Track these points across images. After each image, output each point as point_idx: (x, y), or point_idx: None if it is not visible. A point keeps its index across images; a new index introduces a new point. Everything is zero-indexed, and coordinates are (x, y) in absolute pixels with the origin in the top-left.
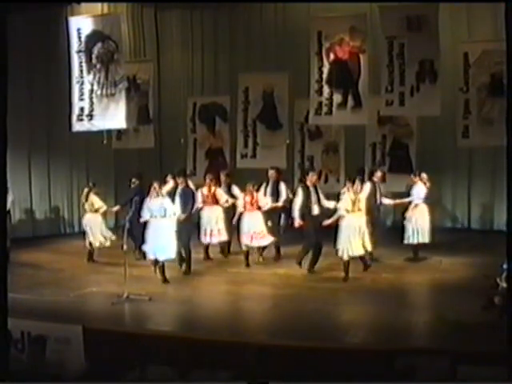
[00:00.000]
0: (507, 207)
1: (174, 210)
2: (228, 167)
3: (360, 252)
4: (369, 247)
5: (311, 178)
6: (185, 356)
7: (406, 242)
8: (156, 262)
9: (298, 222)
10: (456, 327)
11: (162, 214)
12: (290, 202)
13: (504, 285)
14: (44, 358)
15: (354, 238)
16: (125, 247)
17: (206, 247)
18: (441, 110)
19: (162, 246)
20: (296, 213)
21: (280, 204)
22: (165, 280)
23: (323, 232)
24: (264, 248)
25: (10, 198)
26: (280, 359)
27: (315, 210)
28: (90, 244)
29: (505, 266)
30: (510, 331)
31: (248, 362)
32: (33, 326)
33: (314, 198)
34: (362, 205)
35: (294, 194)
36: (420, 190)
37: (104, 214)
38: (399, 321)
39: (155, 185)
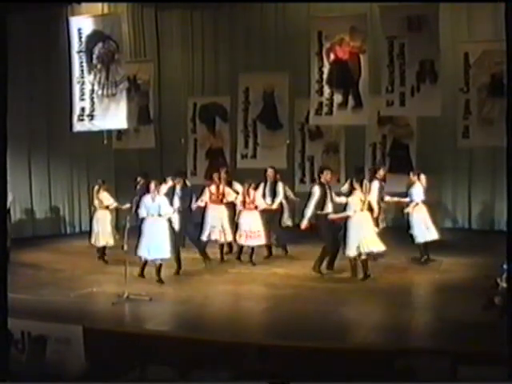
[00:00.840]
0: (507, 207)
1: (171, 209)
2: (228, 167)
3: (367, 249)
4: (374, 247)
5: (325, 176)
6: (185, 356)
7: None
8: (145, 262)
9: (304, 224)
10: (456, 327)
11: (158, 213)
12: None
13: (504, 285)
14: (44, 358)
15: (361, 236)
16: (125, 247)
17: (221, 246)
18: (441, 110)
19: (157, 244)
20: (308, 213)
21: (274, 206)
22: (160, 280)
23: (337, 230)
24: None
25: (9, 198)
26: (280, 359)
27: (329, 209)
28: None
29: (505, 266)
30: (510, 331)
31: (248, 362)
32: (33, 326)
33: (328, 196)
34: (374, 205)
35: (310, 194)
36: (420, 189)
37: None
38: (399, 321)
39: (154, 183)
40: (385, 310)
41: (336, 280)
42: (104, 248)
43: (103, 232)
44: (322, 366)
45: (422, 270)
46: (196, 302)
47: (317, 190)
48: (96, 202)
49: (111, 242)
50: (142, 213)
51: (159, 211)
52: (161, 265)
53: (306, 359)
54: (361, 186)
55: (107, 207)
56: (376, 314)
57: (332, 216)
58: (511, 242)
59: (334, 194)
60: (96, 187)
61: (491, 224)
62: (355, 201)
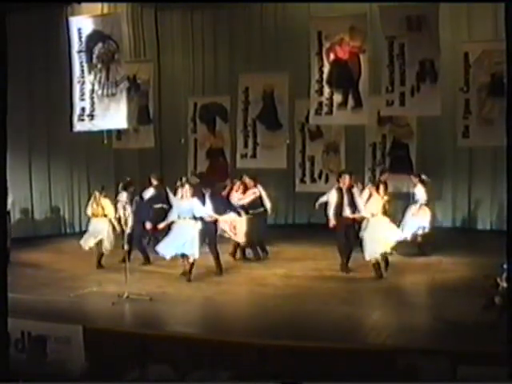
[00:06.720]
0: (507, 207)
1: (204, 211)
2: (229, 167)
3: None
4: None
5: (344, 181)
6: (185, 356)
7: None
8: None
9: (332, 222)
10: (456, 327)
11: (190, 216)
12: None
13: (504, 285)
14: (44, 358)
15: (380, 240)
16: (126, 247)
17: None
18: (441, 109)
19: (188, 242)
20: (330, 213)
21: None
22: (189, 279)
23: (355, 233)
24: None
25: (10, 199)
26: (280, 359)
27: (347, 212)
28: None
29: (505, 266)
30: (510, 331)
31: (248, 363)
32: (33, 325)
33: (346, 199)
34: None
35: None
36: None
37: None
38: (399, 321)
39: (186, 187)
40: (385, 310)
41: (336, 280)
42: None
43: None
44: (322, 366)
45: (421, 269)
46: (196, 302)
47: (333, 194)
48: (95, 209)
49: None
50: (174, 215)
51: (192, 213)
52: (192, 264)
53: (306, 359)
54: (377, 189)
55: (106, 215)
56: (376, 314)
57: (348, 214)
58: (511, 241)
59: (357, 200)
60: (96, 194)
61: (491, 224)
62: (372, 204)
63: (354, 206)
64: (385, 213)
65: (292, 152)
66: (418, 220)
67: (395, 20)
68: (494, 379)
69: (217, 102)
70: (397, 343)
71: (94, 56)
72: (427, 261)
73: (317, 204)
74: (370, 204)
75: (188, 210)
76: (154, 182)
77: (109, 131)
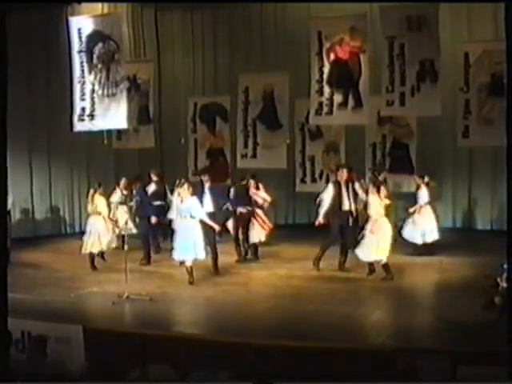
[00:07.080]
0: (507, 207)
1: (202, 213)
2: (229, 167)
3: (384, 256)
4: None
5: (342, 175)
6: (185, 356)
7: (415, 241)
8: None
9: (318, 221)
10: (456, 327)
11: (190, 215)
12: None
13: (504, 285)
14: (44, 358)
15: (382, 242)
16: (125, 247)
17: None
18: (441, 109)
19: (191, 246)
20: (321, 210)
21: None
22: (191, 281)
23: (352, 229)
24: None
25: (10, 199)
26: (280, 359)
27: (346, 206)
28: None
29: (505, 266)
30: (510, 331)
31: (248, 363)
32: (33, 325)
33: (345, 194)
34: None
35: (323, 190)
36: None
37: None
38: (399, 321)
39: (185, 186)
40: (385, 310)
41: (335, 280)
42: (97, 254)
43: (97, 238)
44: (322, 366)
45: (422, 269)
46: (196, 302)
47: (330, 188)
48: (90, 207)
49: (104, 248)
50: (173, 215)
51: (192, 213)
52: (191, 266)
53: (307, 359)
54: (378, 191)
55: (100, 213)
56: (376, 314)
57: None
58: (511, 241)
59: (358, 193)
60: (91, 191)
61: (491, 224)
62: (375, 205)
63: (353, 200)
64: (386, 215)
65: (292, 152)
66: (424, 224)
67: (395, 20)
68: (494, 379)
69: (217, 101)
70: (397, 343)
71: (94, 56)
72: (427, 261)
73: (317, 200)
74: (372, 206)
75: (187, 210)
76: (154, 178)
77: (109, 131)
